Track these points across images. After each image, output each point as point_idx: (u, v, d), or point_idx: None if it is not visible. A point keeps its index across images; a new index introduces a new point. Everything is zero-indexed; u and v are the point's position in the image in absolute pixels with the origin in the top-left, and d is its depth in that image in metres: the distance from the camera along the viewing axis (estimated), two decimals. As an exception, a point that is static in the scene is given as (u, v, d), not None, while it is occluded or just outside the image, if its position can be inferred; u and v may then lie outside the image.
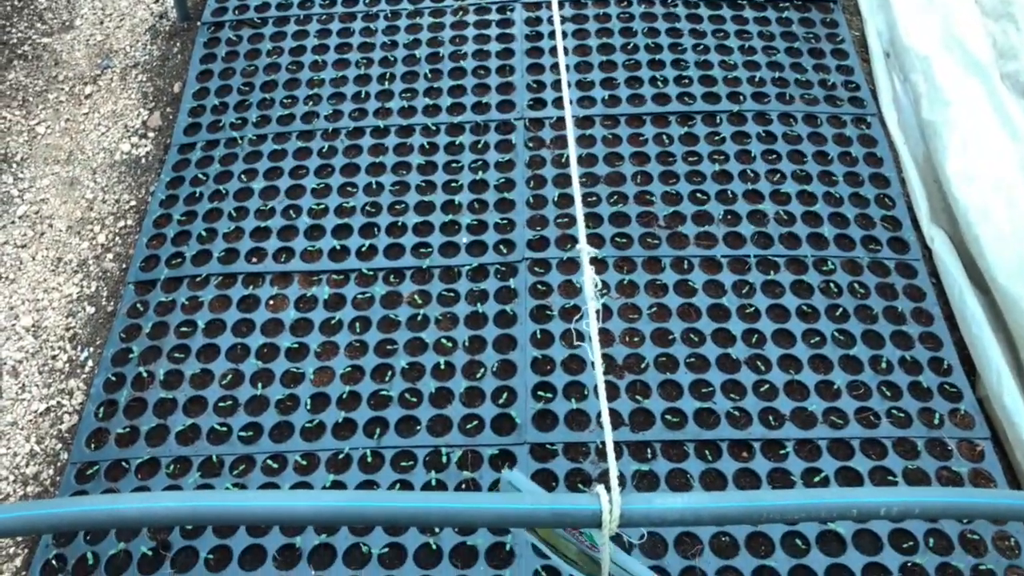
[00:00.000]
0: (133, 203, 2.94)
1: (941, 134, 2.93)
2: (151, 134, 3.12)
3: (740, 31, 3.18)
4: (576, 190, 1.53)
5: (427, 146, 2.89)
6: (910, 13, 3.40)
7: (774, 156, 2.83)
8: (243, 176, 2.84)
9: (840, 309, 2.49)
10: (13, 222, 2.91)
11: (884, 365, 2.37)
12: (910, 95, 3.15)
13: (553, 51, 3.11)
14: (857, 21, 3.35)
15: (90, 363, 2.54)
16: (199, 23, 3.38)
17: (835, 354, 2.40)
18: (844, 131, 2.91)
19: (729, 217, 2.69)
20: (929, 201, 2.86)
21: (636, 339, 2.42)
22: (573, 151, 1.60)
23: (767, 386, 2.33)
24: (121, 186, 2.98)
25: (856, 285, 2.54)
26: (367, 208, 2.73)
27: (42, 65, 3.36)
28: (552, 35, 3.14)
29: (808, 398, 2.31)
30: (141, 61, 3.36)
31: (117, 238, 2.85)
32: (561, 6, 3.24)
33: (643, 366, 2.36)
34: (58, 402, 2.48)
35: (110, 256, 2.79)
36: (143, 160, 3.05)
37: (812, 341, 2.42)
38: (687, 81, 3.02)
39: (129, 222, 2.89)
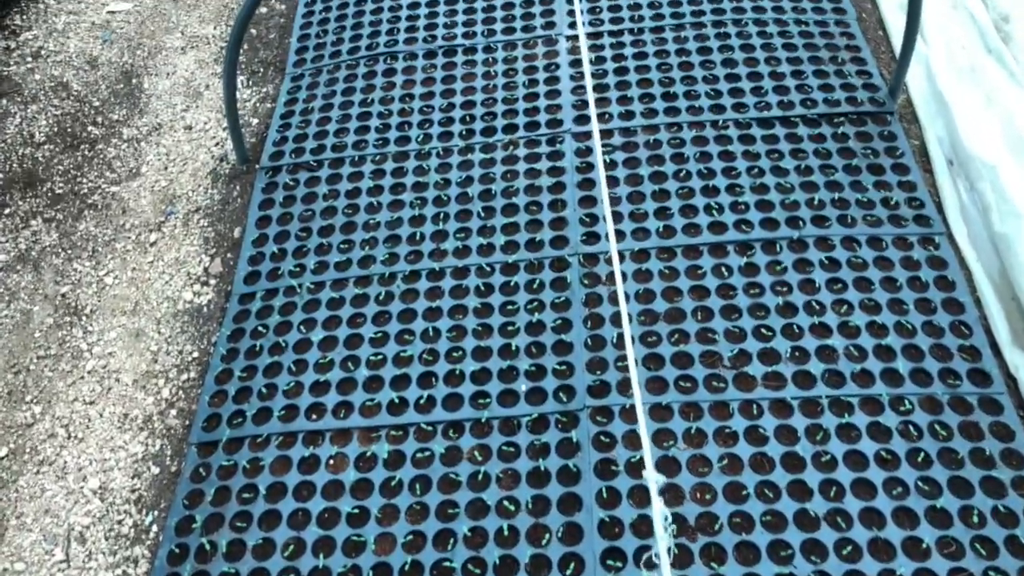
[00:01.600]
0: (196, 354, 2.97)
1: (1016, 250, 2.81)
2: (212, 281, 3.18)
3: (795, 150, 3.13)
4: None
5: (482, 287, 2.88)
6: (969, 116, 3.31)
7: (839, 285, 2.74)
8: (302, 327, 2.86)
9: (922, 454, 2.36)
10: (82, 377, 2.97)
11: (976, 519, 2.22)
12: (978, 205, 3.04)
13: (607, 182, 3.09)
14: (916, 129, 3.27)
15: (155, 528, 2.54)
16: (257, 167, 3.46)
17: (920, 506, 2.26)
18: (911, 254, 2.81)
19: (797, 354, 2.60)
20: (1009, 323, 2.73)
21: (708, 496, 2.33)
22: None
23: (850, 547, 2.20)
24: (184, 336, 3.03)
25: (937, 426, 2.41)
26: (425, 356, 2.72)
27: (111, 214, 3.47)
28: (606, 165, 3.13)
29: (895, 559, 2.17)
30: (203, 206, 3.45)
31: (180, 392, 2.88)
32: (611, 134, 3.24)
33: (717, 527, 2.26)
34: (123, 571, 2.48)
35: (174, 412, 2.82)
36: (205, 309, 3.10)
37: (894, 492, 2.29)
38: (743, 207, 2.97)
39: (192, 375, 2.92)
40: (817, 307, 2.70)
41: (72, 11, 4.46)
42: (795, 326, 2.66)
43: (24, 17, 4.43)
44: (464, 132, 3.34)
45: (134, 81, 4.03)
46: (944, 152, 3.25)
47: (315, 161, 3.35)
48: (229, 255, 3.23)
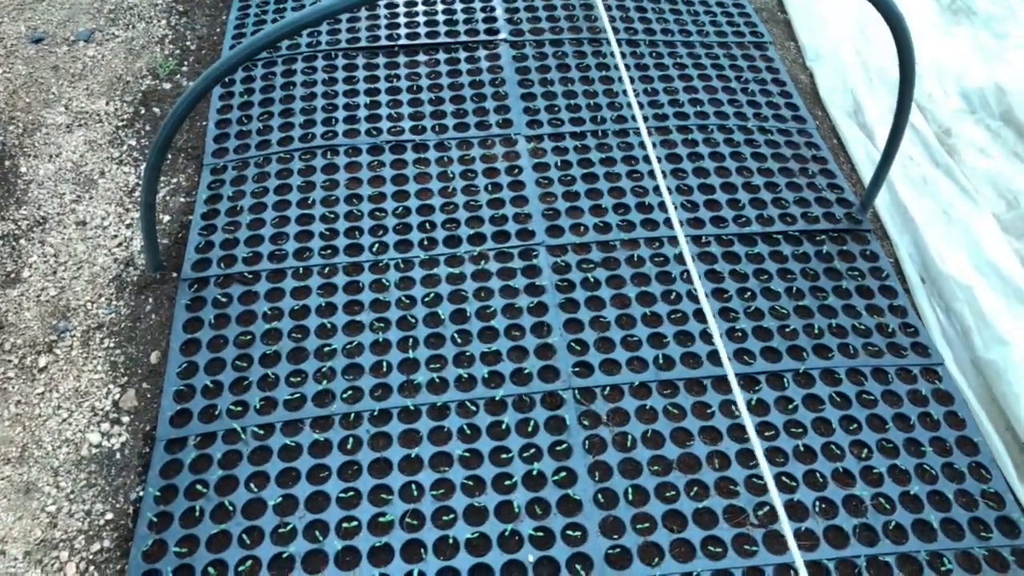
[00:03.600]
0: (110, 516, 2.40)
1: (1008, 378, 2.73)
2: (125, 419, 2.61)
3: (782, 270, 2.96)
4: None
5: (467, 430, 2.48)
6: (933, 232, 3.28)
7: (855, 425, 2.55)
8: (252, 484, 2.36)
9: (975, 623, 2.16)
10: (-49, 554, 2.32)
11: None
12: (957, 327, 2.97)
13: (589, 302, 2.80)
14: (888, 245, 3.20)
15: None
16: (175, 275, 2.93)
17: None
18: (917, 387, 2.67)
19: (824, 507, 2.36)
20: (1011, 456, 2.63)
21: None
22: None
23: None
24: (92, 492, 2.45)
25: (982, 588, 2.23)
26: (407, 520, 2.28)
27: (-17, 332, 2.83)
28: (585, 283, 2.84)
29: None
30: (106, 322, 2.87)
31: (92, 569, 2.29)
32: (587, 248, 2.96)
33: None
34: None
35: (84, 601, 2.23)
36: (118, 455, 2.53)
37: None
38: (740, 335, 2.75)
39: (106, 543, 2.34)
40: (836, 452, 2.49)
41: (-72, 76, 3.77)
42: (817, 474, 2.43)
43: None
44: (425, 241, 2.96)
45: (7, 164, 3.40)
46: (917, 270, 3.18)
47: (250, 273, 2.87)
48: (145, 385, 2.67)
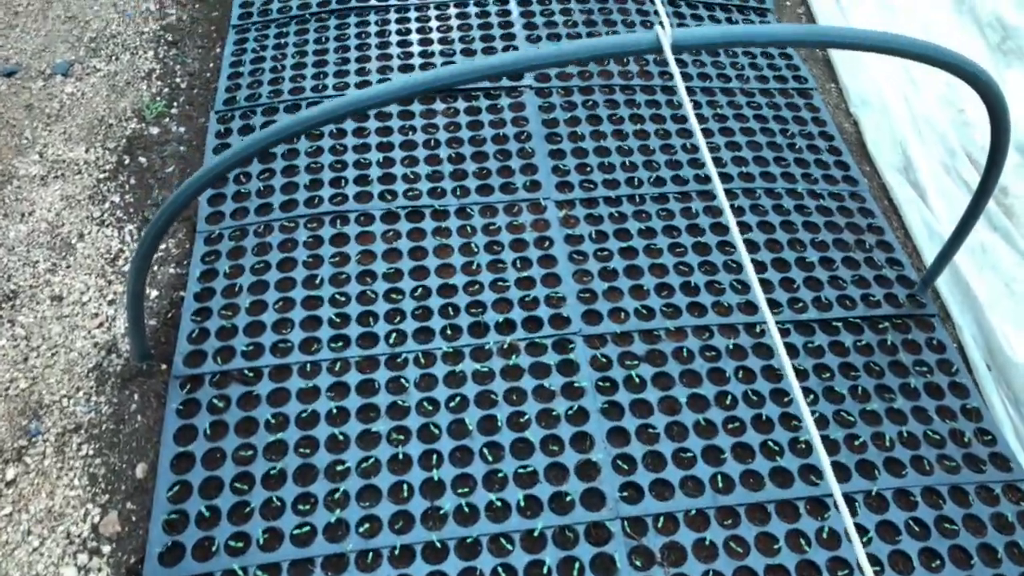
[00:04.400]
0: (88, 675, 2.07)
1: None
2: (106, 547, 2.28)
3: (844, 365, 2.66)
4: None
5: (502, 572, 2.17)
6: (998, 311, 2.99)
7: (937, 562, 2.25)
8: (256, 645, 2.03)
9: None
10: None
11: None
12: (1030, 425, 2.68)
13: (635, 407, 2.48)
14: (950, 326, 2.90)
15: None
16: (164, 367, 2.59)
17: None
18: (1001, 510, 2.38)
19: (912, 668, 2.07)
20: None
21: None
22: None
23: None
24: (68, 643, 2.11)
25: None
26: None
27: (-55, 435, 2.49)
28: (629, 383, 2.52)
29: None
30: (84, 422, 2.53)
31: None
32: (629, 338, 2.64)
33: None
34: None
35: None
36: (98, 596, 2.19)
37: None
38: (803, 448, 2.44)
39: None
40: (923, 596, 2.19)
41: None
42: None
43: None
44: (448, 329, 2.63)
45: (-24, 223, 3.04)
46: (982, 356, 2.89)
47: (250, 370, 2.53)
48: (130, 505, 2.34)
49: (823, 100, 3.61)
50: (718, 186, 1.61)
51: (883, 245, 3.01)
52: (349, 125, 3.23)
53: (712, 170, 1.61)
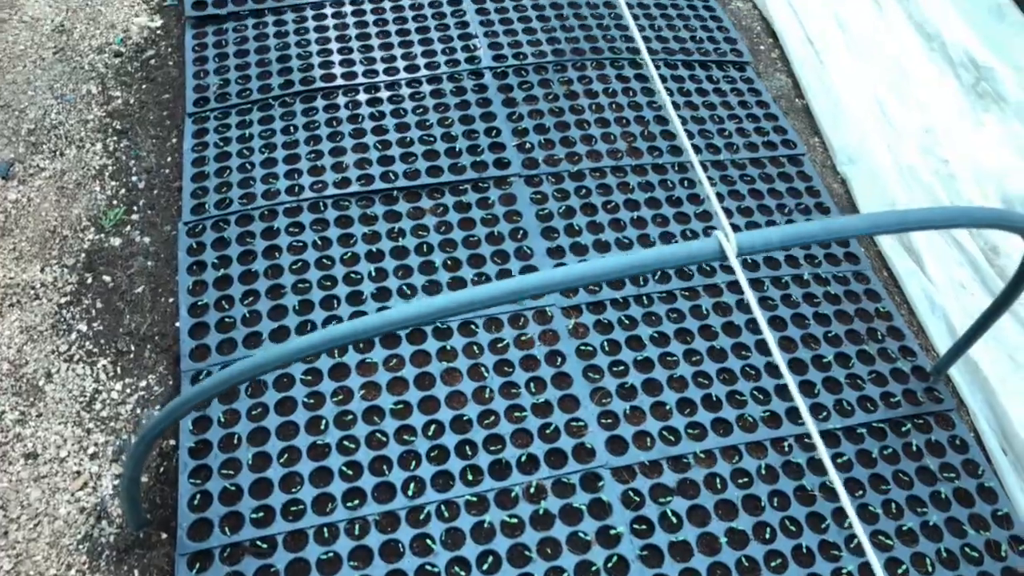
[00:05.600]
0: None
1: None
2: None
3: (874, 478, 2.61)
4: None
5: None
6: (1007, 387, 2.99)
7: None
8: None
9: None
10: None
11: None
12: (1052, 514, 2.69)
13: (674, 551, 2.38)
14: (966, 411, 2.89)
15: None
16: (164, 536, 2.39)
17: None
18: (1045, 628, 2.37)
19: None
20: None
21: None
22: None
23: None
24: None
25: None
26: None
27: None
28: (664, 521, 2.42)
29: None
30: (83, 610, 2.32)
31: None
32: (658, 468, 2.54)
33: None
34: None
35: None
36: None
37: None
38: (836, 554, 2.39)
39: None
40: None
41: None
42: None
43: None
44: (468, 472, 2.49)
45: (-73, 370, 2.76)
46: (997, 440, 2.89)
47: (262, 540, 2.34)
48: None
49: (811, 161, 3.54)
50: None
51: (894, 332, 2.97)
52: (333, 233, 3.02)
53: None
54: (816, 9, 4.29)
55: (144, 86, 3.67)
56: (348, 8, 3.79)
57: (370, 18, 3.76)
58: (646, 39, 3.82)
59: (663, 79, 3.68)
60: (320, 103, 3.44)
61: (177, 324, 2.87)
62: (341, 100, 3.45)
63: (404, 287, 2.89)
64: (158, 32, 3.86)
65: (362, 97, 3.46)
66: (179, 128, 3.47)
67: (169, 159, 3.40)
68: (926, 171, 3.72)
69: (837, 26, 4.30)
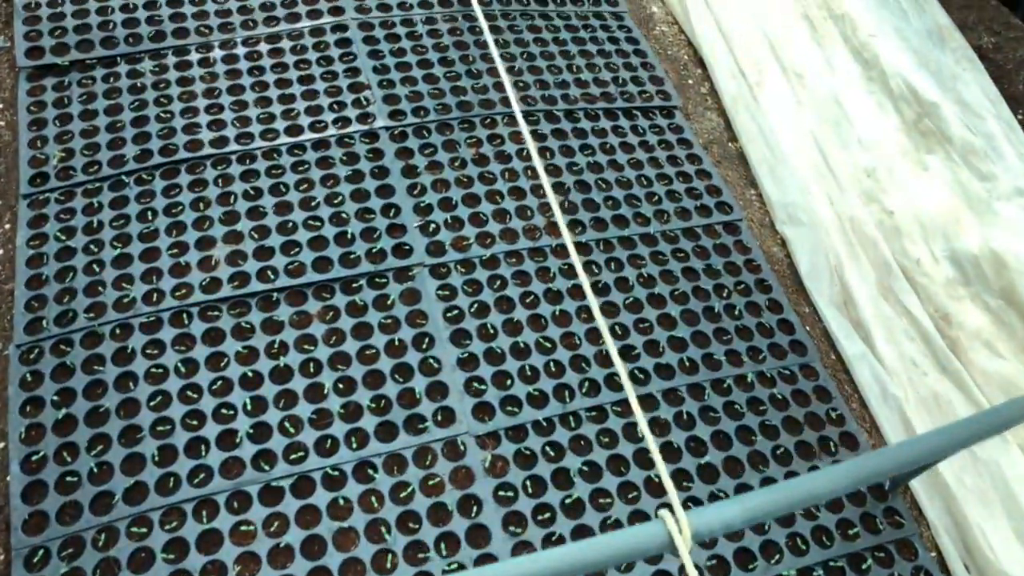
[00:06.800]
0: None
1: None
2: None
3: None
4: None
5: None
6: (965, 486, 2.74)
7: None
8: None
9: None
10: None
11: None
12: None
13: None
14: (926, 524, 2.62)
15: None
16: None
17: None
18: None
19: None
20: None
21: None
22: None
23: None
24: None
25: None
26: None
27: None
28: None
29: None
30: None
31: None
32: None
33: None
34: None
35: None
36: None
37: None
38: None
39: None
40: None
41: None
42: None
43: None
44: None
45: None
46: (960, 555, 2.64)
47: None
48: None
49: (744, 215, 3.19)
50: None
51: (848, 441, 2.66)
52: (200, 353, 2.52)
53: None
54: (747, 33, 3.91)
55: (-29, 155, 3.06)
56: (217, 54, 3.23)
57: (243, 66, 3.21)
58: (563, 83, 3.37)
59: (582, 133, 3.25)
60: (184, 178, 2.91)
61: (8, 480, 2.35)
62: (209, 174, 2.92)
63: (287, 422, 2.42)
64: (-12, 83, 3.24)
65: (234, 169, 2.94)
66: (13, 211, 2.89)
67: (0, 252, 2.83)
68: (870, 223, 3.41)
69: (769, 51, 3.93)
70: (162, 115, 3.04)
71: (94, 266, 2.68)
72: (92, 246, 2.73)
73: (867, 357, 3.01)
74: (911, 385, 3.00)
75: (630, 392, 1.90)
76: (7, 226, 2.89)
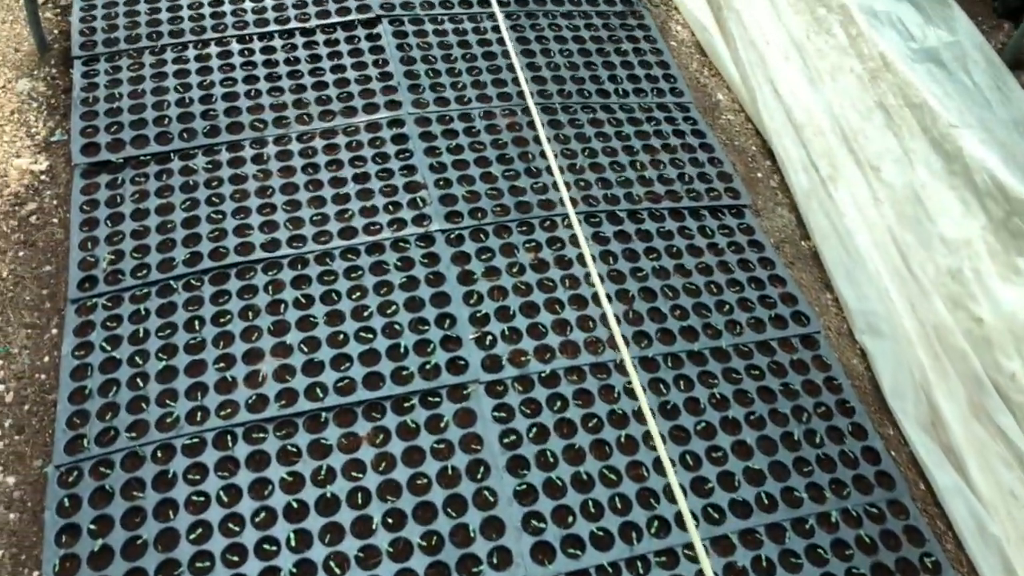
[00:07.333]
0: None
1: None
2: None
3: None
4: None
5: None
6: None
7: None
8: None
9: None
10: None
11: None
12: None
13: None
14: None
15: None
16: None
17: None
18: None
19: None
20: None
21: None
22: None
23: None
24: None
25: None
26: None
27: None
28: None
29: None
30: None
31: None
32: None
33: None
34: None
35: None
36: None
37: None
38: None
39: None
40: None
41: None
42: None
43: None
44: None
45: None
46: None
47: None
48: None
49: (826, 331, 2.97)
50: None
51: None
52: (244, 479, 2.37)
53: None
54: (819, 122, 3.72)
55: (22, 253, 3.00)
56: (271, 149, 3.15)
57: (297, 163, 3.12)
58: (626, 181, 3.22)
59: (646, 235, 3.08)
60: (234, 284, 2.80)
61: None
62: (260, 279, 2.81)
63: (332, 560, 2.25)
64: (43, 178, 3.19)
65: (286, 275, 2.83)
66: (60, 315, 2.81)
67: (46, 359, 2.74)
68: (957, 332, 3.16)
69: (842, 142, 3.74)
70: (213, 215, 2.96)
71: (138, 380, 2.57)
72: (137, 357, 2.62)
73: (961, 490, 2.75)
74: (1011, 521, 2.74)
75: (696, 539, 1.71)
76: (54, 331, 2.81)
